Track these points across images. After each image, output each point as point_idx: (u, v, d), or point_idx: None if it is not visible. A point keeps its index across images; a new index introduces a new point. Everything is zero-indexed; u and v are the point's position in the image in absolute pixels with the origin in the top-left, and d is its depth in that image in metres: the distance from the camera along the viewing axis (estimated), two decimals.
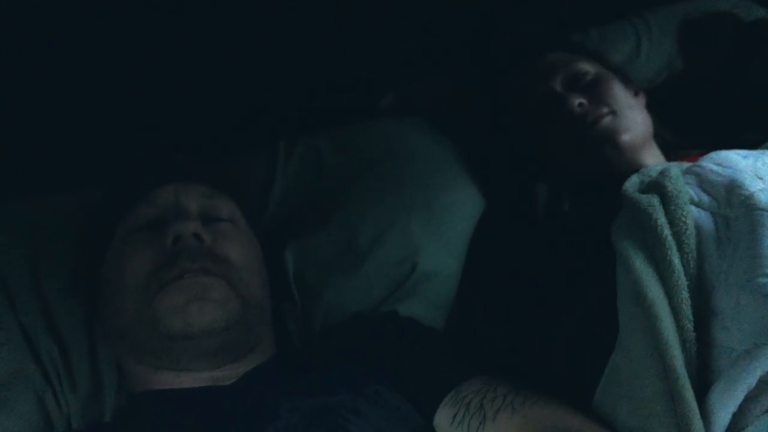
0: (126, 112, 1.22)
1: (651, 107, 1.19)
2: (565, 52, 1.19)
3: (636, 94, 1.18)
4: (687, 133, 1.20)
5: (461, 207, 1.18)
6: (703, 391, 0.75)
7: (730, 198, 0.85)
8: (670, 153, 1.14)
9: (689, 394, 0.74)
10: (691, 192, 0.88)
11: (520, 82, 1.19)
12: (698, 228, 0.84)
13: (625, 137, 1.07)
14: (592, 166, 1.09)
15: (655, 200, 0.86)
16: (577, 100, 1.09)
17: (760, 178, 0.86)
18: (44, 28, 1.15)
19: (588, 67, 1.16)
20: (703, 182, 0.89)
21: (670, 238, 0.82)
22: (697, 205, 0.87)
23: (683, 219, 0.84)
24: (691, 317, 0.78)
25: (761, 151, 0.94)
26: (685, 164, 0.97)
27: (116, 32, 1.19)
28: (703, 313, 0.79)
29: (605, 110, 1.09)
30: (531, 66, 1.18)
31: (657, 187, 0.89)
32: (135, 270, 0.94)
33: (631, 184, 0.95)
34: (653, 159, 1.10)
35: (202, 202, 1.01)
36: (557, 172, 1.15)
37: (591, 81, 1.13)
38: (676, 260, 0.81)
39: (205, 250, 0.95)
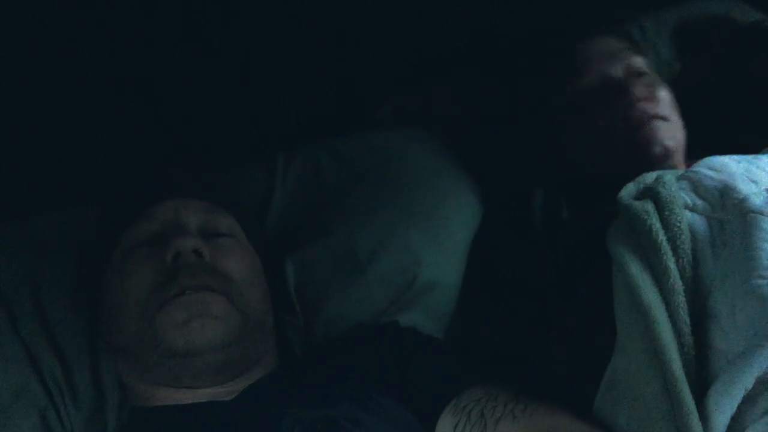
0: (124, 126, 1.23)
1: None
2: (617, 40, 1.18)
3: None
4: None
5: (460, 216, 1.18)
6: (702, 393, 0.75)
7: (725, 201, 0.85)
8: None
9: (688, 397, 0.74)
10: (685, 197, 0.88)
11: (572, 64, 1.16)
12: (693, 232, 0.84)
13: (671, 143, 1.09)
14: (626, 162, 1.08)
15: (649, 206, 0.86)
16: (642, 93, 1.10)
17: (754, 182, 0.86)
18: (41, 42, 1.15)
19: (644, 66, 1.16)
20: (698, 187, 0.89)
21: (665, 243, 0.82)
22: (692, 209, 0.87)
23: (678, 224, 0.84)
24: (688, 321, 0.79)
25: (755, 156, 0.95)
26: (680, 170, 0.97)
27: (113, 44, 1.20)
28: (700, 317, 0.79)
29: (661, 113, 1.10)
30: (585, 48, 1.17)
31: (651, 193, 0.89)
32: (135, 287, 0.94)
33: (627, 191, 0.95)
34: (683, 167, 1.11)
35: (201, 217, 1.02)
36: (578, 168, 1.15)
37: (649, 81, 1.14)
38: (672, 265, 0.81)
39: (204, 265, 0.95)
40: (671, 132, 1.10)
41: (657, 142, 1.08)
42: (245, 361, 0.96)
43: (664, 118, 1.10)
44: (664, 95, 1.13)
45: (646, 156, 1.08)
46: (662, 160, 1.08)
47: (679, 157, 1.12)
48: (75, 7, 1.14)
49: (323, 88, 1.33)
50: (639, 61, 1.16)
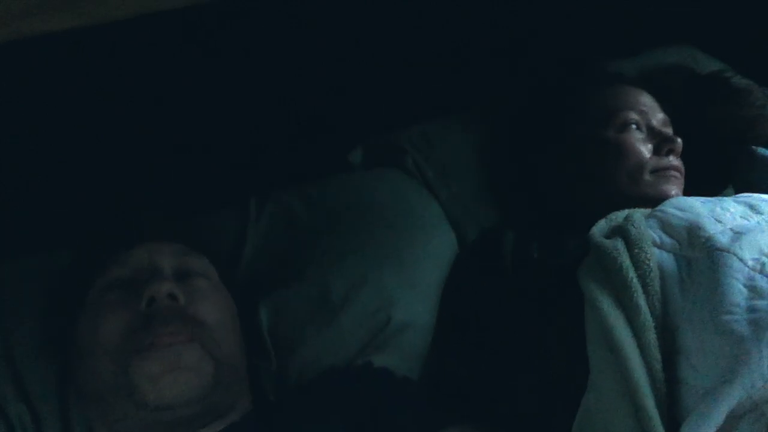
0: (96, 173, 1.23)
1: None
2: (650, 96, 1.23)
3: None
4: None
5: (433, 257, 1.19)
6: (674, 428, 0.76)
7: (692, 240, 0.88)
8: None
9: None
10: (654, 235, 0.91)
11: (600, 103, 1.21)
12: (661, 270, 0.86)
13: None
14: (629, 201, 1.10)
15: (619, 244, 0.89)
16: (679, 147, 1.15)
17: (719, 222, 0.89)
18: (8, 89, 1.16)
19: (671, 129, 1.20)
20: (665, 225, 0.92)
21: (635, 280, 0.84)
22: (660, 247, 0.89)
23: (647, 261, 0.86)
24: (659, 357, 0.80)
25: (718, 198, 0.98)
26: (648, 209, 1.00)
27: (83, 89, 1.20)
28: (671, 353, 0.81)
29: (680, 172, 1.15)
30: (637, 90, 1.22)
31: (621, 231, 0.92)
32: (108, 332, 0.93)
33: (599, 228, 0.98)
34: None
35: (175, 260, 1.01)
36: (566, 204, 1.19)
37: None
38: (642, 302, 0.83)
39: (179, 310, 0.94)
40: (681, 190, 1.14)
41: (665, 196, 1.11)
42: (219, 409, 0.95)
43: (682, 176, 1.15)
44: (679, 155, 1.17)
45: (650, 201, 1.09)
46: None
47: None
48: None
49: (295, 132, 1.34)
50: (669, 126, 1.20)
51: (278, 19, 1.29)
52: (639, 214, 0.95)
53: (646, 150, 1.15)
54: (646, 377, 0.78)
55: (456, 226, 1.26)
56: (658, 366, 0.80)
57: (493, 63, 1.42)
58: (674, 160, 1.15)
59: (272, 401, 1.08)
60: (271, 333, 1.13)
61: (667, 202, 0.98)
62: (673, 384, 0.79)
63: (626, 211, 1.00)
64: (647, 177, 1.13)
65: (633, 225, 0.91)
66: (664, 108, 1.22)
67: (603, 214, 1.01)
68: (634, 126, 1.16)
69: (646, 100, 1.20)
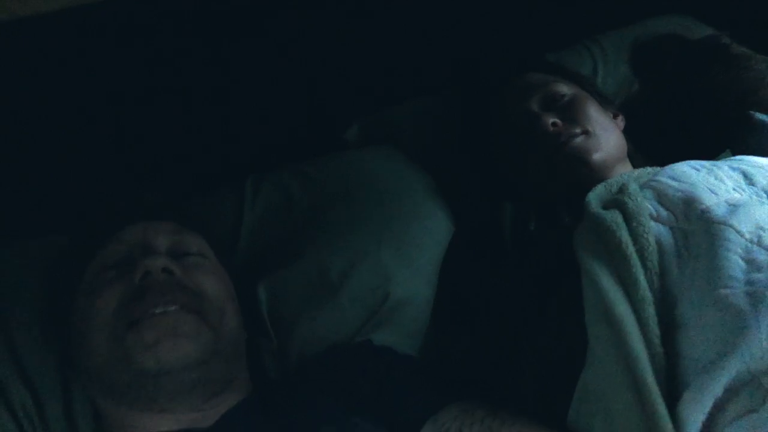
0: (92, 154, 1.22)
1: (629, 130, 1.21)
2: (544, 73, 1.22)
3: (615, 117, 1.21)
4: (643, 151, 1.22)
5: (431, 233, 1.19)
6: (673, 401, 0.77)
7: (688, 212, 0.87)
8: None
9: (661, 406, 0.75)
10: (650, 207, 0.90)
11: (500, 102, 1.21)
12: (659, 243, 0.86)
13: (596, 156, 1.08)
14: (563, 184, 1.10)
15: (618, 217, 0.88)
16: (551, 120, 1.11)
17: (714, 193, 0.88)
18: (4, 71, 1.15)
19: (565, 89, 1.17)
20: (661, 197, 0.91)
21: (634, 255, 0.84)
22: (656, 220, 0.88)
23: (645, 236, 0.86)
24: (657, 332, 0.80)
25: (712, 163, 0.97)
26: (644, 174, 0.99)
27: (80, 71, 1.20)
28: (669, 326, 0.81)
29: (578, 130, 1.10)
30: (511, 85, 1.20)
31: (618, 203, 0.91)
32: (102, 307, 0.93)
33: (596, 194, 0.97)
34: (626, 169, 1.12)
35: (170, 238, 1.01)
36: (529, 190, 1.17)
37: (567, 102, 1.15)
38: (641, 277, 0.82)
39: (176, 283, 0.95)
40: (596, 144, 1.10)
41: (578, 161, 1.08)
42: (218, 381, 0.95)
43: (585, 133, 1.10)
44: (586, 110, 1.14)
45: (574, 175, 1.09)
46: (593, 175, 1.08)
47: (613, 165, 1.11)
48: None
49: (291, 111, 1.34)
50: (557, 88, 1.17)
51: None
52: (635, 184, 0.94)
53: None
54: (645, 351, 0.78)
55: (451, 201, 1.26)
56: (656, 340, 0.79)
57: (486, 46, 1.40)
58: (563, 130, 1.10)
59: (273, 381, 1.08)
60: (270, 313, 1.13)
61: (661, 171, 0.97)
62: (671, 358, 0.79)
63: (621, 180, 0.99)
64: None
65: (630, 197, 0.90)
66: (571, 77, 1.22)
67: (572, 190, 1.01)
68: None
69: (523, 84, 1.19)
